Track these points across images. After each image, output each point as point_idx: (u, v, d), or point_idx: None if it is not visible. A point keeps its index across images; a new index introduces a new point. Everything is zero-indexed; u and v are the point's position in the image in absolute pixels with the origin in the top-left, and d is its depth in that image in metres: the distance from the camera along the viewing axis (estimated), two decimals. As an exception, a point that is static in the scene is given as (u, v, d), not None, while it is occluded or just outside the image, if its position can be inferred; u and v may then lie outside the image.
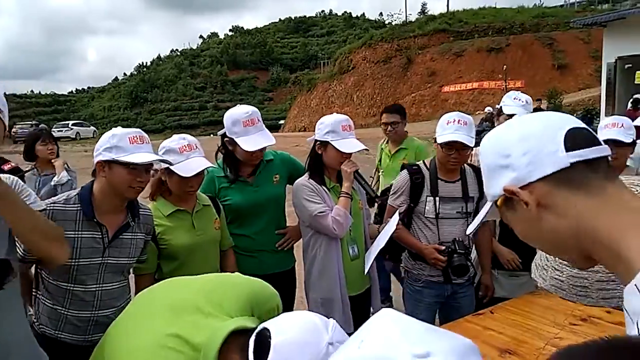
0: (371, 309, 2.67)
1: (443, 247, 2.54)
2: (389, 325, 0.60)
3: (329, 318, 2.43)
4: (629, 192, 0.75)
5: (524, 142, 0.77)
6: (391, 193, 2.71)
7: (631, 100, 9.63)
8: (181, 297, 1.25)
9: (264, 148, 2.48)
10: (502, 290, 2.76)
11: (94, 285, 1.87)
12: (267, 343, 1.00)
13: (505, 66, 26.37)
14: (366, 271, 2.49)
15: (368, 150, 2.63)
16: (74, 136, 31.14)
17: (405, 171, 2.68)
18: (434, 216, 2.58)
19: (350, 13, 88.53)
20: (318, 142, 2.47)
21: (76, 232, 1.82)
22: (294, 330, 1.02)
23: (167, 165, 2.14)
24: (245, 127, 2.39)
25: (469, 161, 3.05)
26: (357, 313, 2.48)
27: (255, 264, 2.54)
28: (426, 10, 53.21)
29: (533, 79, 27.37)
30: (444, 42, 34.51)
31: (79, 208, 1.84)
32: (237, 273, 1.48)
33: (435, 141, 2.55)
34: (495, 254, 2.79)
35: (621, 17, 16.61)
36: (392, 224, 2.45)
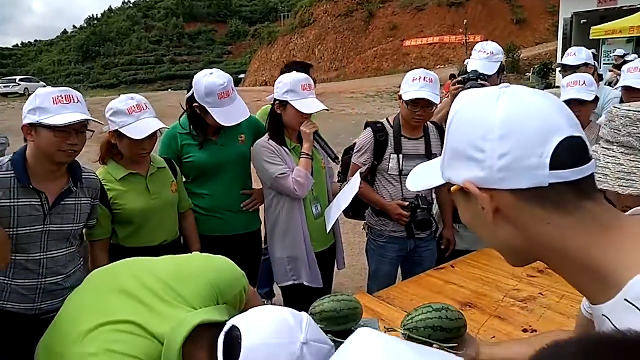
0: (336, 264, 2.70)
1: (407, 203, 2.56)
2: (379, 356, 0.53)
3: (294, 276, 2.42)
4: (608, 208, 0.68)
5: (505, 141, 0.64)
6: (355, 151, 2.68)
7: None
8: (139, 282, 1.16)
9: None
10: (463, 243, 2.81)
11: (38, 254, 1.78)
12: (237, 344, 0.94)
13: (465, 21, 26.31)
14: (328, 230, 2.48)
15: (329, 110, 2.56)
16: (22, 92, 29.52)
17: (369, 129, 2.65)
18: (397, 173, 2.58)
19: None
20: (277, 102, 2.39)
21: (12, 201, 1.70)
22: (266, 330, 0.96)
23: (116, 128, 2.02)
24: (221, 99, 2.29)
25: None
26: (322, 269, 2.49)
27: (221, 224, 2.50)
28: (388, -38, 51.84)
29: (492, 34, 27.52)
30: (405, -4, 34.03)
31: (12, 175, 1.71)
32: (197, 254, 1.40)
33: (400, 98, 2.52)
34: (456, 208, 2.82)
35: (578, -28, 16.75)
36: (353, 183, 2.43)
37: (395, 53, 31.08)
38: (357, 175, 2.46)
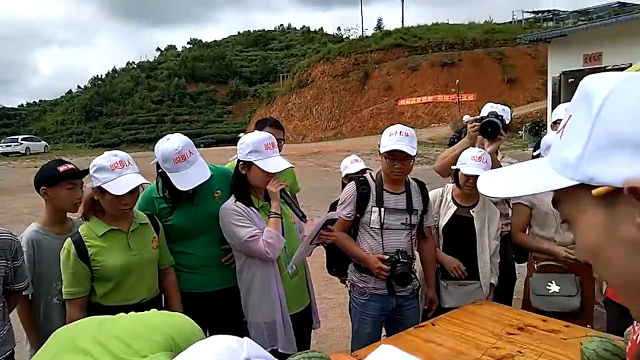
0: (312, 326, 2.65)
1: (387, 257, 2.57)
2: None
3: (271, 342, 2.35)
4: None
5: None
6: (339, 204, 2.73)
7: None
8: (93, 339, 1.17)
9: None
10: (453, 300, 2.79)
11: None
12: None
13: (458, 80, 27.15)
14: (289, 267, 2.42)
15: (294, 167, 2.62)
16: (23, 151, 30.14)
17: (352, 182, 2.72)
18: (378, 226, 2.61)
19: (308, 27, 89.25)
20: (241, 163, 2.40)
21: None
22: (207, 355, 0.99)
23: (98, 184, 2.08)
24: (177, 163, 2.30)
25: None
26: (298, 331, 2.45)
27: (202, 280, 2.49)
28: (382, 26, 53.98)
29: (484, 93, 28.29)
30: (399, 57, 35.23)
31: None
32: (155, 311, 1.42)
33: (380, 153, 2.60)
34: (441, 265, 2.84)
35: (563, 34, 17.53)
36: (319, 220, 2.42)
37: (390, 112, 31.81)
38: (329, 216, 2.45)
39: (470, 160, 2.70)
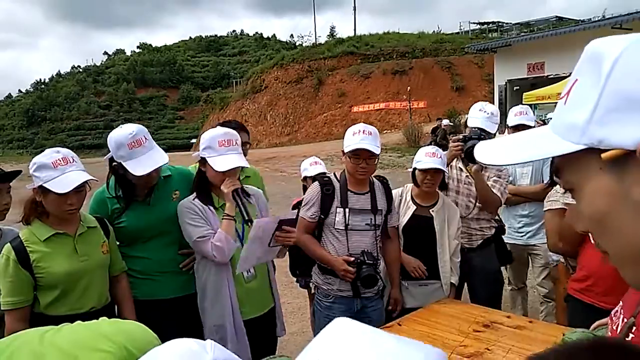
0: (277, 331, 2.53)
1: (352, 259, 2.51)
2: (352, 337, 0.49)
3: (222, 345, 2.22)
4: None
5: None
6: (303, 205, 2.65)
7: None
8: (36, 355, 1.05)
9: (159, 167, 2.25)
10: (414, 300, 2.77)
11: None
12: None
13: (409, 88, 27.80)
14: (238, 268, 2.26)
15: (249, 167, 2.53)
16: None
17: (316, 182, 2.65)
18: (343, 227, 2.55)
19: (261, 34, 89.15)
20: (201, 159, 2.29)
21: None
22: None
23: (40, 183, 1.90)
24: (132, 149, 2.15)
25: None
26: (259, 336, 2.34)
27: (156, 287, 2.33)
28: (335, 33, 54.57)
29: (434, 100, 29.15)
30: (352, 65, 35.75)
31: None
32: (103, 319, 1.28)
33: (344, 153, 2.54)
34: (402, 265, 2.81)
35: (507, 44, 18.29)
36: (264, 220, 2.28)
37: (344, 118, 32.10)
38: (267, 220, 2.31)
39: (424, 157, 2.71)
